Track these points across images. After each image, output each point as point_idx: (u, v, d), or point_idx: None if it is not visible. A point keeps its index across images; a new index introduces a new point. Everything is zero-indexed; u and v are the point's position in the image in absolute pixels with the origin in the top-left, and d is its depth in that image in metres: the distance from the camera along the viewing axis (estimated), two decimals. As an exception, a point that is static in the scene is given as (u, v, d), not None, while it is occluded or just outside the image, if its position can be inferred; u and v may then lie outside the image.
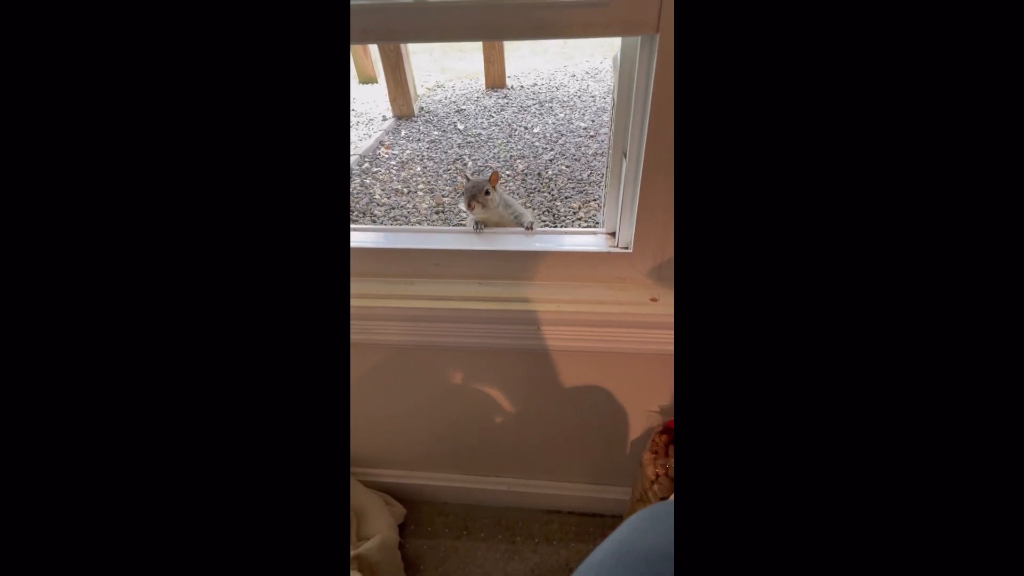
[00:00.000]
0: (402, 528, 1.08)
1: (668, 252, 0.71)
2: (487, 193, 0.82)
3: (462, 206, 0.87)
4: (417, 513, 1.11)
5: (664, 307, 0.71)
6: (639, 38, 0.56)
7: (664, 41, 0.53)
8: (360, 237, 0.80)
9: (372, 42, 0.57)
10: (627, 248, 0.72)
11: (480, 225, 0.82)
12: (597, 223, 0.74)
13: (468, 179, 0.87)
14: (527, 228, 0.81)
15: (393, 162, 2.63)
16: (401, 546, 1.03)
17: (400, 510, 1.07)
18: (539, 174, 2.41)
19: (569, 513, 1.11)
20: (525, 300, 0.74)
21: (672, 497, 0.44)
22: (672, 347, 0.74)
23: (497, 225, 0.84)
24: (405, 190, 2.41)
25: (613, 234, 0.76)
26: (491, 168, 2.50)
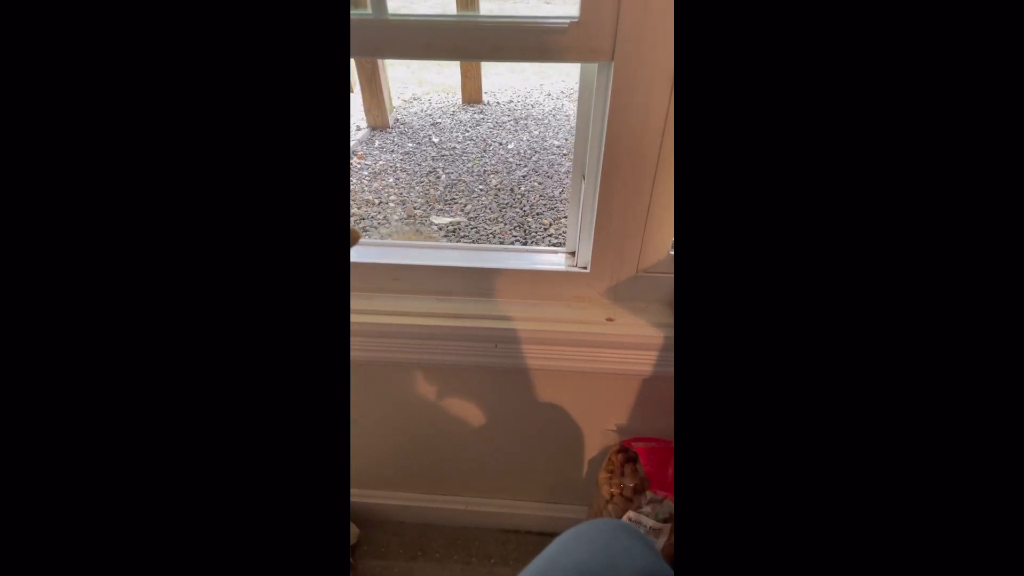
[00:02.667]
0: (354, 549, 1.04)
1: (624, 273, 0.72)
2: None
3: None
4: (371, 533, 1.08)
5: (620, 327, 0.71)
6: (596, 65, 0.58)
7: (618, 69, 0.54)
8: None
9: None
10: (585, 268, 0.73)
11: None
12: (566, 240, 0.75)
13: None
14: None
15: (365, 172, 2.61)
16: (352, 567, 0.99)
17: (353, 530, 1.04)
18: (512, 190, 2.43)
19: (526, 532, 1.10)
20: (484, 317, 0.74)
21: (604, 518, 0.44)
22: (627, 367, 0.75)
23: None
24: (376, 200, 2.39)
25: (573, 253, 0.77)
26: (465, 182, 2.51)
